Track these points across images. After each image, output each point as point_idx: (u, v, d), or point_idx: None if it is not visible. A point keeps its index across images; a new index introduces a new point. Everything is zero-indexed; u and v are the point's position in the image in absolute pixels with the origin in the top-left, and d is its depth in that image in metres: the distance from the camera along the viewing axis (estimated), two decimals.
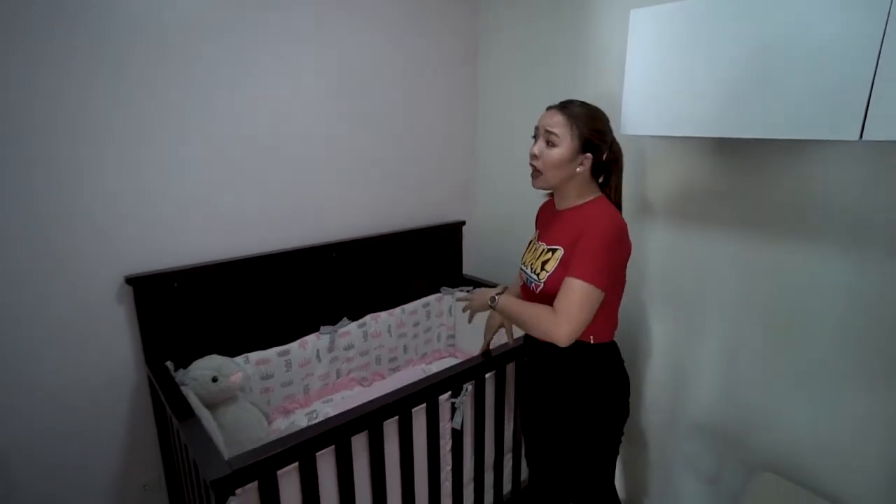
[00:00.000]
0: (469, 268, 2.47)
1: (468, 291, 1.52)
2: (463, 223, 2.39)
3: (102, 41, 1.37)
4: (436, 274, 2.32)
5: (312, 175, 1.88)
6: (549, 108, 1.25)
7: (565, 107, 1.22)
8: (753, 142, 1.47)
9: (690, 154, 1.63)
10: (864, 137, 1.06)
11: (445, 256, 2.34)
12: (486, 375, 1.54)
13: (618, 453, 1.38)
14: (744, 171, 1.51)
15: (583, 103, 1.24)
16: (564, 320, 1.13)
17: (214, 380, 1.49)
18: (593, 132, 1.21)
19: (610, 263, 1.16)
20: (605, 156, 1.24)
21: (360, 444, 1.26)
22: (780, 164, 1.43)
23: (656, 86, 1.39)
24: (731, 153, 1.53)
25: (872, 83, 1.03)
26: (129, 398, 1.57)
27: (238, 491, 1.03)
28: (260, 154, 1.72)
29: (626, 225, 1.21)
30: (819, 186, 1.37)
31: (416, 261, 2.23)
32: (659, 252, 1.76)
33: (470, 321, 1.56)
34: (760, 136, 1.21)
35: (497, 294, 1.35)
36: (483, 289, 1.49)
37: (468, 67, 2.31)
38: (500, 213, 2.37)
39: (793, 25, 1.13)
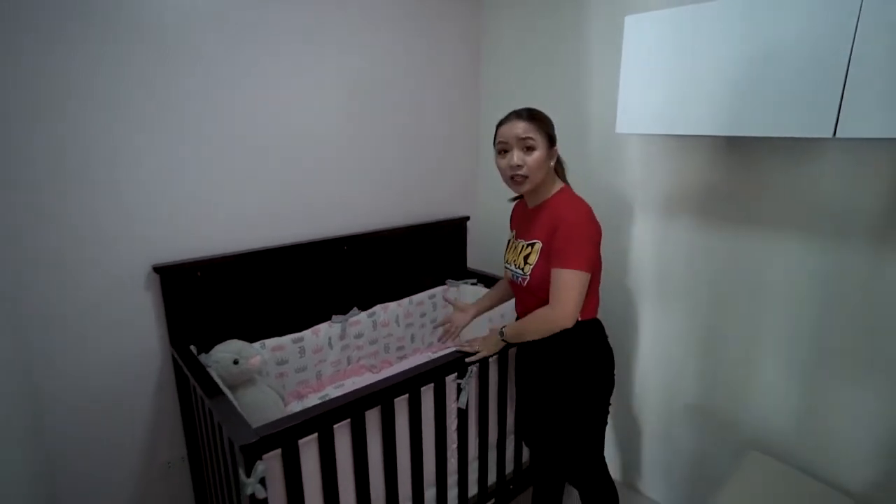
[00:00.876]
0: (473, 261, 2.57)
1: (462, 350, 1.55)
2: (467, 218, 2.49)
3: (137, 31, 1.46)
4: (441, 267, 2.42)
5: (324, 172, 1.97)
6: (506, 123, 1.35)
7: (521, 115, 1.33)
8: (739, 140, 1.56)
9: (679, 151, 1.72)
10: (838, 135, 1.15)
11: (450, 250, 2.44)
12: (490, 359, 1.64)
13: (606, 424, 1.49)
14: (732, 167, 1.61)
15: (529, 108, 1.35)
16: (562, 307, 1.27)
17: (235, 362, 1.59)
18: (550, 127, 1.35)
19: (588, 247, 1.29)
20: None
21: (373, 420, 1.36)
22: (765, 161, 1.53)
23: (648, 87, 1.48)
24: (717, 151, 1.63)
25: (844, 86, 1.12)
26: (154, 380, 1.68)
27: (264, 457, 1.13)
28: (275, 153, 1.82)
29: (591, 209, 1.34)
30: (803, 183, 1.46)
31: (422, 254, 2.33)
32: (649, 244, 1.86)
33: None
34: (742, 133, 1.31)
35: (500, 333, 1.49)
36: (483, 339, 1.55)
37: (471, 68, 2.40)
38: (502, 208, 2.44)
39: (773, 33, 1.22)
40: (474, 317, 1.73)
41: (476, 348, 1.54)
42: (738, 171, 1.59)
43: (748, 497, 1.46)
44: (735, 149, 1.58)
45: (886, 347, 1.38)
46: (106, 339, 1.56)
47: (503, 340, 1.49)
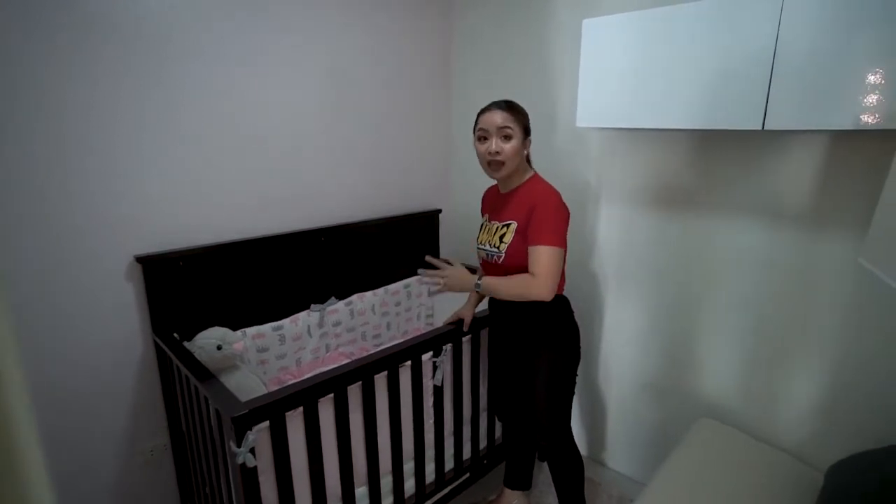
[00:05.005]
0: (445, 252, 2.67)
1: (426, 272, 1.56)
2: (439, 211, 2.60)
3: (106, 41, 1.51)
4: (415, 257, 2.51)
5: (302, 167, 2.04)
6: (487, 112, 1.45)
7: (501, 106, 1.44)
8: (688, 134, 1.72)
9: (634, 144, 1.87)
10: (766, 128, 1.31)
11: (424, 241, 2.54)
12: (463, 339, 1.75)
13: (573, 394, 1.61)
14: (684, 159, 1.76)
15: (508, 100, 1.47)
16: (544, 280, 1.38)
17: (219, 348, 1.64)
18: (526, 120, 1.47)
19: (562, 227, 1.42)
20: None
21: (354, 395, 1.45)
22: (714, 153, 1.69)
23: (603, 85, 1.62)
24: (670, 143, 1.78)
25: (769, 84, 1.28)
26: (136, 369, 1.71)
27: (253, 428, 1.21)
28: (253, 148, 1.88)
29: (560, 193, 1.47)
30: (746, 173, 1.62)
31: (397, 245, 2.42)
32: (610, 230, 2.00)
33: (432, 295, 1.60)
34: (682, 127, 1.46)
35: (477, 285, 1.51)
36: (454, 270, 1.55)
37: (444, 68, 2.51)
38: (473, 201, 2.55)
39: (708, 38, 1.37)
40: (475, 306, 1.76)
41: (443, 281, 1.53)
42: (690, 163, 1.74)
43: (693, 457, 1.60)
44: (686, 142, 1.74)
45: (818, 323, 1.55)
46: (88, 329, 1.59)
47: (477, 290, 1.51)
